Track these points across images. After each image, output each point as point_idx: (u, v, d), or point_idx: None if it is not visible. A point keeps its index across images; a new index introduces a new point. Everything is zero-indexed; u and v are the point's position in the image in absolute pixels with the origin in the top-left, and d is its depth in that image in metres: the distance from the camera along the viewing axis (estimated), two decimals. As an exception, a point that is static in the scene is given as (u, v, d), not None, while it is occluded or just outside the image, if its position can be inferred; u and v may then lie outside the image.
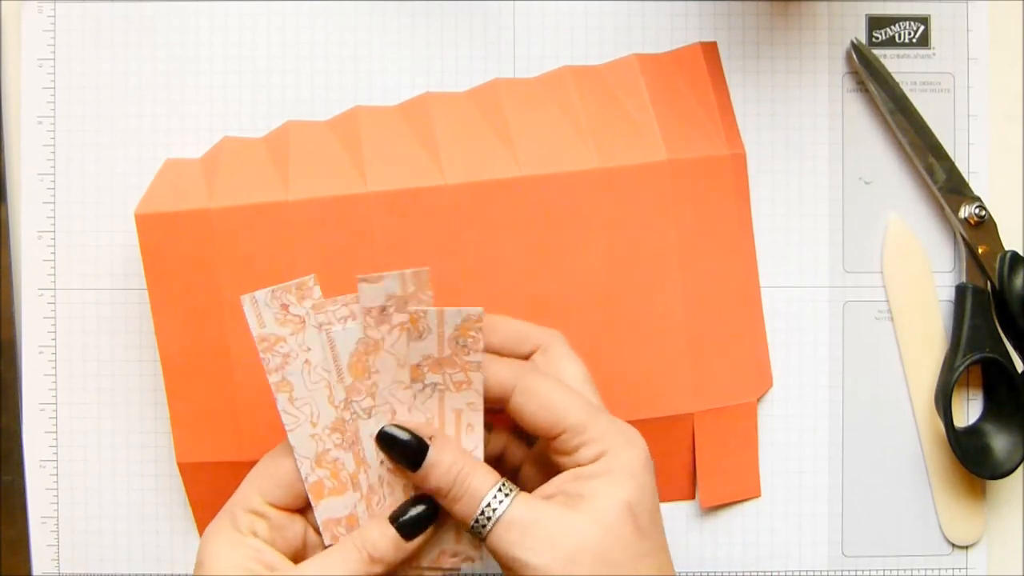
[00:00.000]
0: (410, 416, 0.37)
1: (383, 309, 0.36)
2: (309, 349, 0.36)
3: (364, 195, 0.42)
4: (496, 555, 0.34)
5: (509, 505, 0.34)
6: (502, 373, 0.36)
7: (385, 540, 0.35)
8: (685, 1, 0.46)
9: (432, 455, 0.35)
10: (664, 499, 0.45)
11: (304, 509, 0.37)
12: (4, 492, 0.45)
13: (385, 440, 0.36)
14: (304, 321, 0.36)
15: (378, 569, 0.35)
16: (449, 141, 0.43)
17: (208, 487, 0.44)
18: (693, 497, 0.46)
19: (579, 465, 0.35)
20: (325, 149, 0.44)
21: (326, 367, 0.36)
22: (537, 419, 0.35)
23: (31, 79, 0.46)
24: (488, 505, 0.34)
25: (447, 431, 0.37)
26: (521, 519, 0.34)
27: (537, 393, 0.36)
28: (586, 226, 0.43)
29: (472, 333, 0.35)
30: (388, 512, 0.36)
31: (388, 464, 0.37)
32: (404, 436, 0.36)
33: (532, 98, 0.45)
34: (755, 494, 0.46)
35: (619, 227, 0.43)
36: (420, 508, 0.36)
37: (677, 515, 0.46)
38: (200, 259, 0.42)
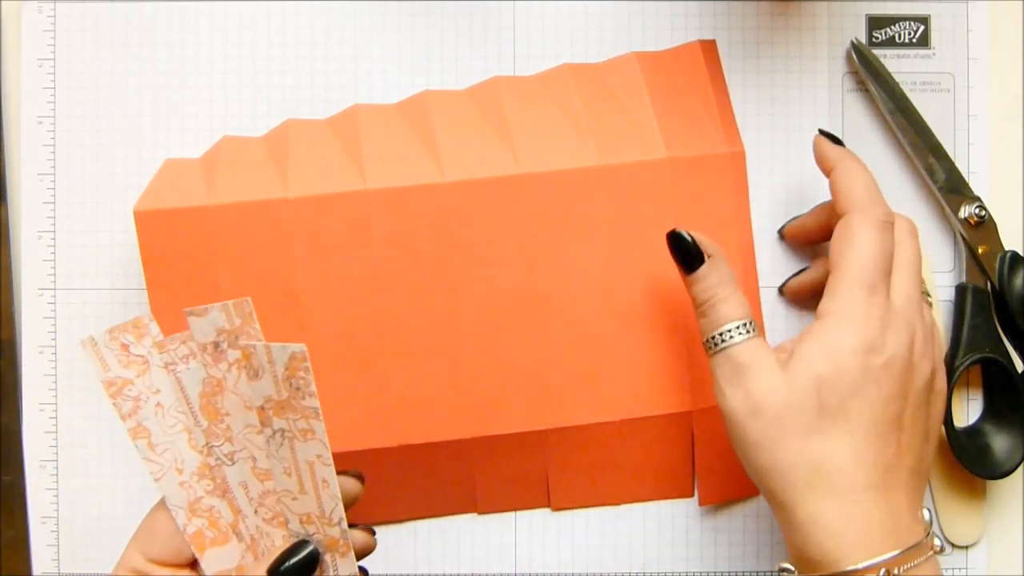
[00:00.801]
0: (268, 464, 0.35)
1: (216, 345, 0.35)
2: (159, 391, 0.35)
3: (363, 192, 0.42)
4: (712, 374, 0.38)
5: (740, 343, 0.37)
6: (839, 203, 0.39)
7: None
8: (685, 1, 0.46)
9: (703, 269, 0.39)
10: (663, 497, 0.45)
11: (195, 563, 0.36)
12: (4, 492, 0.45)
13: (674, 238, 0.39)
14: (148, 361, 0.35)
15: None
16: (448, 139, 0.43)
17: None
18: (692, 495, 0.46)
19: (816, 312, 0.38)
20: (324, 147, 0.44)
21: (180, 409, 0.35)
22: (832, 243, 0.39)
23: (31, 79, 0.46)
24: (726, 331, 0.38)
25: (304, 485, 0.35)
26: (739, 359, 0.37)
27: (851, 226, 0.38)
28: (585, 224, 0.43)
29: (301, 374, 0.33)
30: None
31: (263, 513, 0.36)
32: (690, 243, 0.39)
33: (531, 96, 0.45)
34: (755, 492, 0.46)
35: (618, 224, 0.43)
36: (299, 556, 0.35)
37: (677, 514, 0.46)
38: (199, 256, 0.42)
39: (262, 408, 0.34)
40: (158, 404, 0.35)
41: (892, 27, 0.46)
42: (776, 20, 0.47)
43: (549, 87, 0.45)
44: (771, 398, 0.36)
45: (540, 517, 0.46)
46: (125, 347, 0.35)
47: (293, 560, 0.35)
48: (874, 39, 0.46)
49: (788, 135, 0.46)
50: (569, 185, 0.43)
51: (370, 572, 0.45)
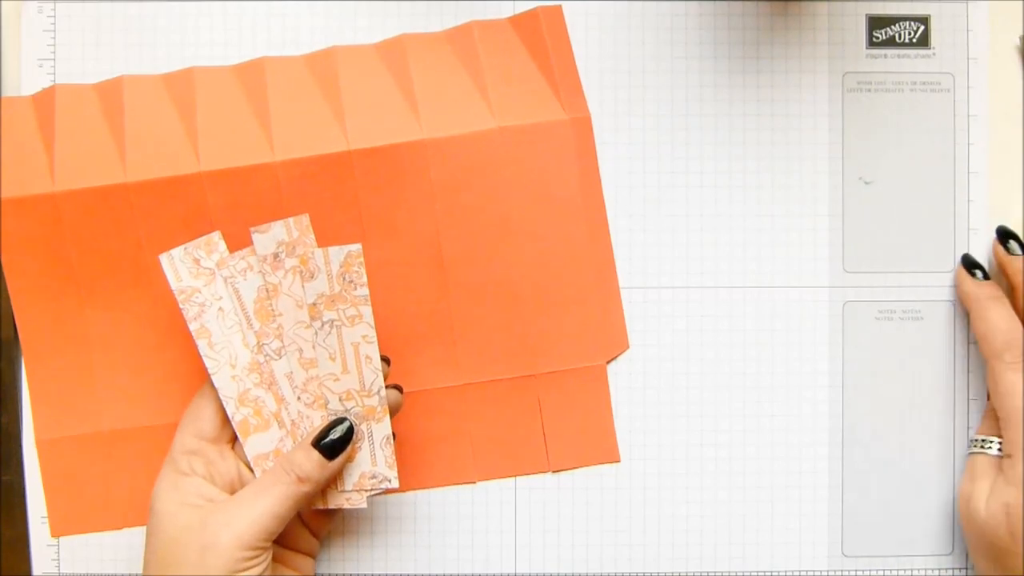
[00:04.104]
0: (314, 353, 0.40)
1: (276, 255, 0.40)
2: (221, 298, 0.40)
3: (197, 175, 0.43)
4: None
5: (987, 455, 0.43)
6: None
7: (310, 462, 0.39)
8: (685, 1, 0.46)
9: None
10: (518, 468, 0.46)
11: (234, 442, 0.41)
12: (4, 492, 0.45)
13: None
14: (214, 273, 0.40)
15: (306, 488, 0.39)
16: (278, 114, 0.43)
17: (65, 463, 0.45)
18: (547, 468, 0.46)
19: (1005, 452, 0.42)
20: (161, 118, 0.44)
21: (236, 313, 0.40)
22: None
23: (31, 79, 0.46)
24: (988, 441, 0.43)
25: (347, 365, 0.40)
26: (979, 468, 0.43)
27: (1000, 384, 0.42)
28: (418, 196, 0.44)
29: (355, 268, 0.39)
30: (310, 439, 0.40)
31: (305, 399, 0.40)
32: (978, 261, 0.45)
33: (368, 67, 0.45)
34: (612, 459, 0.46)
35: (452, 196, 0.44)
36: (338, 430, 0.40)
37: (676, 515, 0.46)
38: (50, 238, 0.44)
39: (314, 304, 0.39)
40: (220, 309, 0.40)
41: (892, 27, 0.46)
42: (776, 20, 0.47)
43: (387, 57, 0.45)
44: (975, 515, 0.42)
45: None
46: (197, 261, 0.40)
47: (333, 434, 0.40)
48: (874, 39, 0.46)
49: (788, 135, 0.46)
50: (399, 160, 0.43)
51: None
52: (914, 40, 0.46)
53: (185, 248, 0.40)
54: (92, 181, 0.43)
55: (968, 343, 0.46)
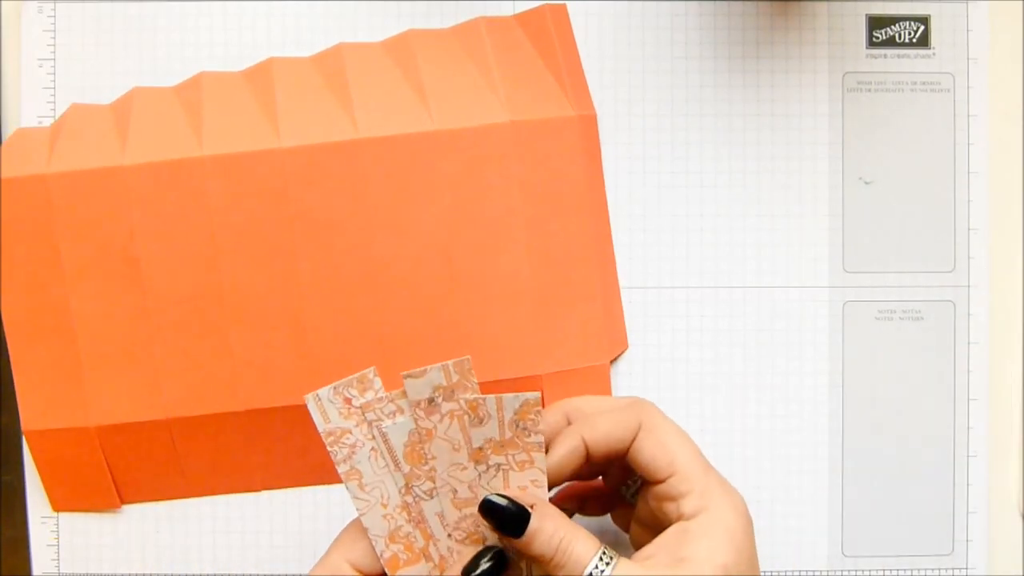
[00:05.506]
0: (471, 494, 0.38)
1: (431, 400, 0.37)
2: (373, 438, 0.37)
3: (199, 159, 0.43)
4: None
5: (611, 572, 0.35)
6: (629, 418, 0.38)
7: None
8: (685, 1, 0.46)
9: (534, 522, 0.36)
10: None
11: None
12: (4, 492, 0.45)
13: (487, 509, 0.37)
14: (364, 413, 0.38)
15: None
16: (288, 104, 0.43)
17: (55, 454, 0.44)
18: None
19: (681, 516, 0.36)
20: (166, 113, 0.44)
21: (384, 456, 0.38)
22: (653, 457, 0.37)
23: (31, 79, 0.46)
24: (594, 571, 0.35)
25: None
26: None
27: (657, 430, 0.37)
28: (426, 188, 0.43)
29: (531, 416, 0.36)
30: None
31: (457, 535, 0.38)
32: (506, 504, 0.36)
33: (375, 62, 0.45)
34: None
35: (461, 189, 0.44)
36: (486, 560, 0.37)
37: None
38: (39, 223, 0.43)
39: (480, 449, 0.37)
40: (373, 449, 0.37)
41: (892, 27, 0.46)
42: (776, 20, 0.47)
43: (394, 53, 0.45)
44: None
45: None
46: (348, 400, 0.37)
47: (482, 564, 0.37)
48: (874, 39, 0.46)
49: (788, 135, 0.46)
50: (409, 150, 0.43)
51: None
52: (914, 40, 0.46)
53: (335, 387, 0.37)
54: (87, 163, 0.43)
55: (968, 343, 0.46)
